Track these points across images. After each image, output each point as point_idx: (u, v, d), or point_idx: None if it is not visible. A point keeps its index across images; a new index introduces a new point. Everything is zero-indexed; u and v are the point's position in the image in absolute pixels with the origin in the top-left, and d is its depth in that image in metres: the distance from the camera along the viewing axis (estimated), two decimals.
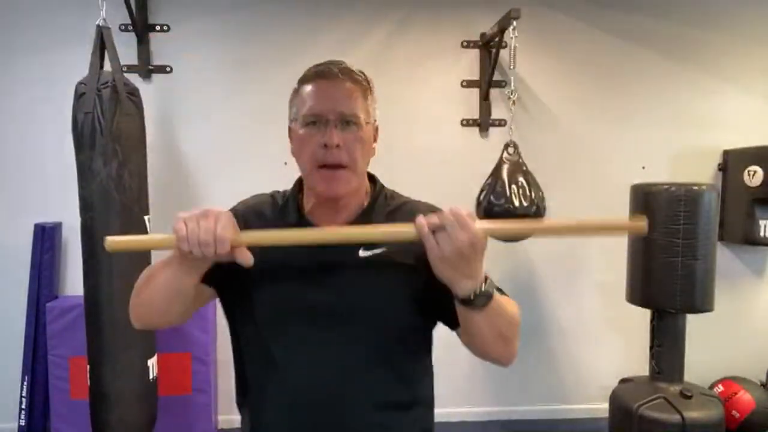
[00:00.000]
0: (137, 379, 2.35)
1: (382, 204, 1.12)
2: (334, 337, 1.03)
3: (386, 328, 1.05)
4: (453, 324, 1.05)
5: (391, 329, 1.06)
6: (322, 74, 1.05)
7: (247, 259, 0.93)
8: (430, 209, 1.04)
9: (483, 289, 0.93)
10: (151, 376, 2.40)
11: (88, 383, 2.34)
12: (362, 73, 1.08)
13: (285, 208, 1.13)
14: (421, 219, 0.89)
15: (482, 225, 0.90)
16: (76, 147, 2.28)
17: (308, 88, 1.05)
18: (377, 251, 1.04)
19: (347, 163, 1.02)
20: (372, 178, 1.16)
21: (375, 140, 1.11)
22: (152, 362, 2.41)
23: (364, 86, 1.07)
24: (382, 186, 1.16)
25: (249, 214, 1.14)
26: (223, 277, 1.06)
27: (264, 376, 1.10)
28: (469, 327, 0.99)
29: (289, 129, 1.10)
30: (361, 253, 1.04)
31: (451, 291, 0.93)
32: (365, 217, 1.09)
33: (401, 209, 1.12)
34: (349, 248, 1.02)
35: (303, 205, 1.12)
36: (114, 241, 1.04)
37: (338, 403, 1.04)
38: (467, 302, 0.93)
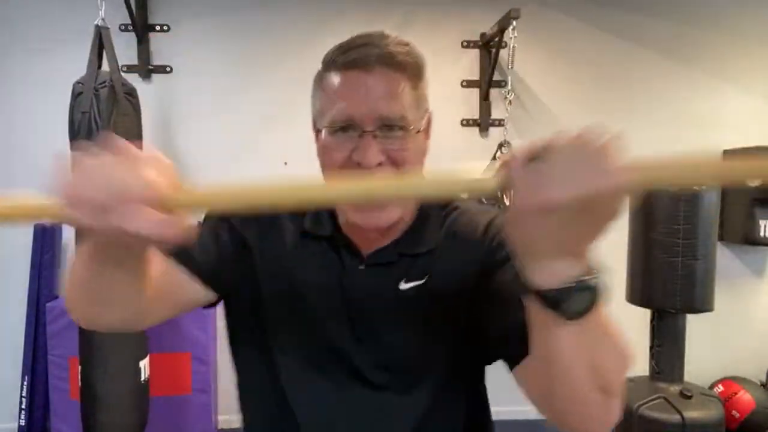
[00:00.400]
0: (129, 381, 2.32)
1: (437, 214, 0.86)
2: (371, 398, 0.81)
3: (438, 386, 0.82)
4: (513, 359, 0.75)
5: (443, 385, 0.83)
6: (354, 63, 0.75)
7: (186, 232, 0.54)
8: (492, 216, 0.84)
9: (588, 281, 0.57)
10: (142, 378, 2.37)
11: (79, 384, 2.32)
12: (411, 51, 0.77)
13: (317, 217, 0.86)
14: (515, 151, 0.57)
15: (635, 168, 0.52)
16: (72, 147, 2.28)
17: (336, 80, 0.77)
18: (419, 283, 0.80)
19: None
20: None
21: (428, 135, 0.83)
22: (144, 364, 2.38)
23: (414, 71, 0.77)
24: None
25: (252, 231, 0.86)
26: (230, 284, 0.83)
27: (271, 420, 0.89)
28: (551, 352, 0.61)
29: (313, 123, 0.85)
30: (402, 285, 0.80)
31: (527, 285, 0.58)
32: (417, 231, 0.84)
33: (459, 219, 0.86)
34: (386, 279, 0.81)
35: (338, 215, 0.85)
36: None
37: None
38: (558, 299, 0.56)
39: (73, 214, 0.51)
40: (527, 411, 3.29)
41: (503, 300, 0.74)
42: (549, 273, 0.55)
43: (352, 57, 0.75)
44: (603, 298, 0.57)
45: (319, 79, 0.82)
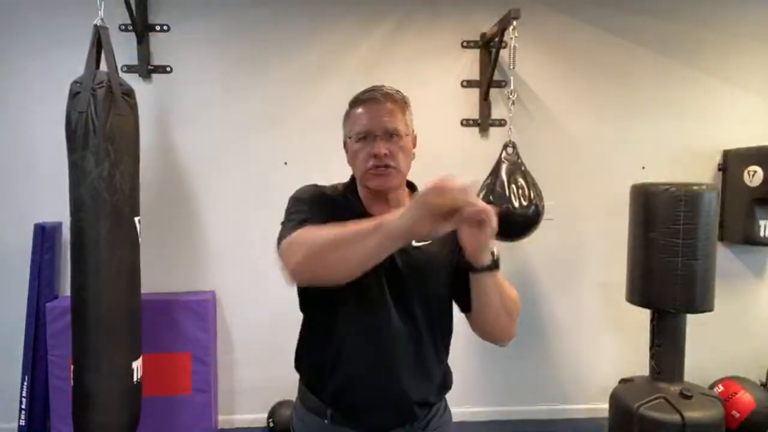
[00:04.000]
0: (121, 381, 2.31)
1: None
2: (392, 303, 1.26)
3: (433, 299, 1.30)
4: (466, 306, 1.27)
5: (436, 299, 1.30)
6: (368, 99, 1.28)
7: None
8: None
9: (495, 256, 1.15)
10: (135, 379, 2.36)
11: (71, 383, 2.30)
12: (400, 92, 1.32)
13: (347, 199, 1.33)
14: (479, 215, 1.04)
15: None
16: (69, 146, 2.26)
17: (358, 110, 1.29)
18: (425, 243, 1.27)
19: (393, 165, 1.25)
20: (411, 185, 1.37)
21: (414, 146, 1.34)
22: (137, 364, 2.37)
23: (402, 104, 1.30)
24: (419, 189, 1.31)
25: (324, 196, 1.34)
26: None
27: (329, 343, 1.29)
28: (483, 296, 1.19)
29: (344, 143, 1.33)
30: (414, 243, 1.25)
31: (472, 266, 1.14)
32: None
33: None
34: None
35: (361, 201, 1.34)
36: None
37: (387, 356, 1.26)
38: (487, 268, 1.14)
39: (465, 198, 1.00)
40: (534, 411, 3.31)
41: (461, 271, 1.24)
42: (483, 258, 1.14)
43: (367, 96, 1.29)
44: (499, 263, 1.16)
45: (347, 113, 1.33)
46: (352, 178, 1.36)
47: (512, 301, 1.23)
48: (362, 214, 1.24)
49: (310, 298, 1.33)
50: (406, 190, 1.35)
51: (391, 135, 1.25)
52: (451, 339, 1.39)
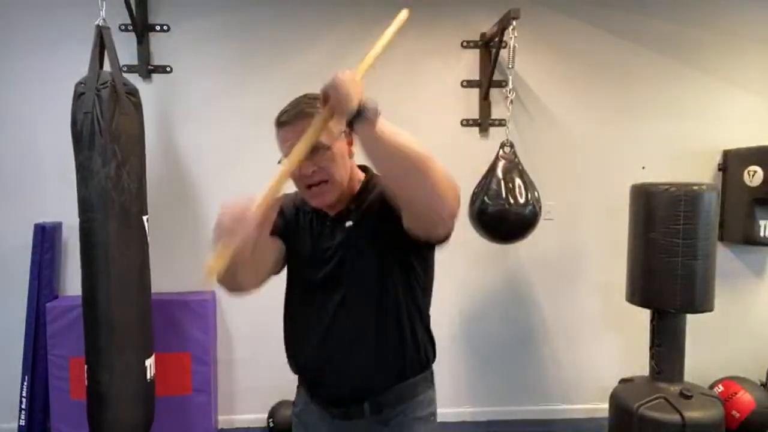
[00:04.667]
0: (135, 380, 2.34)
1: (372, 187, 1.33)
2: (329, 278, 1.31)
3: (370, 276, 1.29)
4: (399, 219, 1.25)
5: (375, 276, 1.29)
6: (282, 122, 1.31)
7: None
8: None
9: (362, 104, 1.05)
10: (148, 377, 2.39)
11: (86, 383, 2.33)
12: (314, 102, 1.25)
13: (304, 201, 1.38)
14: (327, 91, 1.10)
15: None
16: (75, 147, 2.28)
17: (279, 134, 1.32)
18: (358, 220, 1.31)
19: (327, 178, 1.25)
20: (365, 169, 1.37)
21: (351, 144, 1.31)
22: (150, 362, 2.41)
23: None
24: (374, 174, 1.35)
25: (288, 207, 1.43)
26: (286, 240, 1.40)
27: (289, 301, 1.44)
28: (377, 158, 1.12)
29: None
30: (347, 224, 1.31)
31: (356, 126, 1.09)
32: (356, 201, 1.33)
33: (378, 189, 1.31)
34: (342, 223, 1.32)
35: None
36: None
37: (335, 330, 1.31)
38: (356, 119, 1.05)
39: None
40: (535, 411, 3.31)
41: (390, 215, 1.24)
42: (348, 112, 1.06)
43: (280, 120, 1.35)
44: (378, 112, 1.07)
45: (275, 134, 1.35)
46: None
47: (418, 154, 1.08)
48: (317, 211, 1.35)
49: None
50: (358, 177, 1.36)
51: (313, 152, 1.21)
52: (422, 317, 1.35)
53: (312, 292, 1.34)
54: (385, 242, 1.27)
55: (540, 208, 2.77)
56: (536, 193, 2.78)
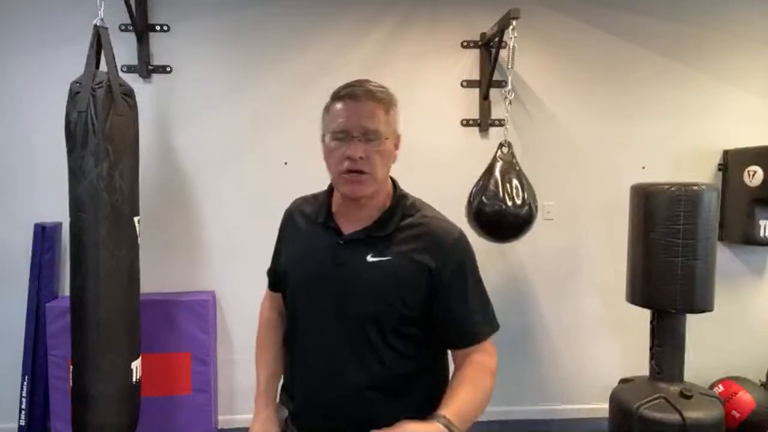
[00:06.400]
0: (120, 382, 2.31)
1: (400, 211, 1.26)
2: (330, 320, 1.22)
3: (371, 322, 1.19)
4: (447, 346, 1.26)
5: (375, 324, 1.19)
6: (349, 95, 1.19)
7: None
8: (448, 232, 1.24)
9: None
10: (134, 379, 2.36)
11: (70, 384, 2.30)
12: (384, 90, 1.22)
13: (318, 210, 1.31)
14: None
15: None
16: (68, 146, 2.26)
17: (338, 106, 1.19)
18: (384, 258, 1.20)
19: (368, 171, 1.17)
20: (393, 183, 1.30)
21: (396, 147, 1.26)
22: (136, 365, 2.36)
23: (386, 103, 1.21)
24: (402, 193, 1.30)
25: (296, 211, 1.38)
26: (279, 276, 1.37)
27: (290, 340, 1.33)
28: None
29: (322, 139, 1.24)
30: (370, 258, 1.20)
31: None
32: (385, 219, 1.24)
33: (420, 223, 1.24)
34: (360, 252, 1.21)
35: (332, 205, 1.30)
36: None
37: (329, 385, 1.22)
38: None
39: None
40: (534, 411, 3.30)
41: (445, 312, 1.22)
42: None
43: (348, 91, 1.19)
44: None
45: (326, 107, 1.23)
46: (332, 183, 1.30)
47: (481, 407, 1.17)
48: (327, 223, 1.27)
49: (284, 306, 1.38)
50: (387, 190, 1.28)
51: (370, 137, 1.17)
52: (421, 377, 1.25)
53: (310, 321, 1.28)
54: (405, 286, 1.20)
55: (536, 208, 2.78)
56: (533, 194, 2.79)
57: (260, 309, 1.47)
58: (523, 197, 2.73)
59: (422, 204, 1.30)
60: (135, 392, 2.38)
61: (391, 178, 1.30)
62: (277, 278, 1.38)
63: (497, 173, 2.77)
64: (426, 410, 1.14)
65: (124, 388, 2.32)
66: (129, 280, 2.33)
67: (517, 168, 2.80)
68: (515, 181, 2.74)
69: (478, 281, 1.27)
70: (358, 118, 1.16)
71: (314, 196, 1.37)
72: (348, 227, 1.25)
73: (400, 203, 1.27)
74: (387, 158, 1.22)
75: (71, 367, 2.31)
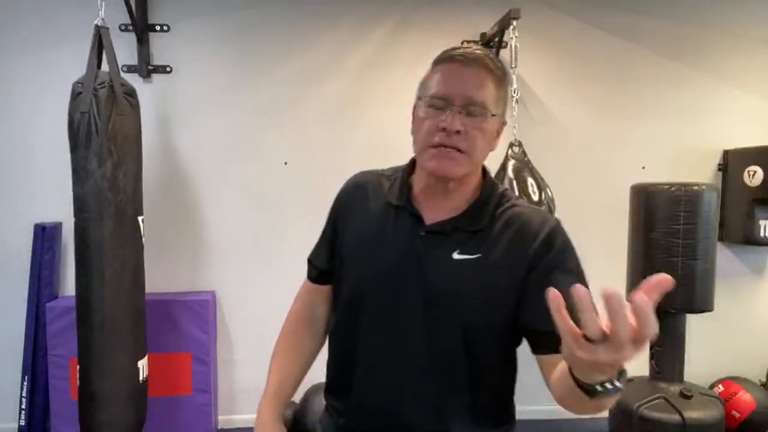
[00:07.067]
0: (127, 381, 2.32)
1: (494, 200, 1.07)
2: (414, 331, 1.02)
3: (457, 330, 1.01)
4: (536, 350, 1.02)
5: (462, 331, 1.01)
6: (456, 57, 1.00)
7: None
8: (542, 219, 1.04)
9: (615, 383, 0.73)
10: (141, 378, 2.38)
11: (78, 383, 2.32)
12: (500, 62, 1.03)
13: (392, 187, 1.11)
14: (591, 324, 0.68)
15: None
16: (72, 146, 2.27)
17: (443, 68, 1.01)
18: (471, 257, 1.01)
19: (465, 149, 0.98)
20: (485, 172, 1.11)
21: (498, 135, 1.07)
22: (142, 364, 2.38)
23: (498, 76, 1.01)
24: (494, 182, 1.11)
25: (365, 186, 1.15)
26: (333, 265, 1.17)
27: (346, 343, 1.12)
28: (567, 400, 0.91)
29: (414, 106, 1.06)
30: (456, 256, 1.01)
31: (577, 379, 0.77)
32: (475, 210, 1.05)
33: (510, 214, 1.05)
34: (445, 247, 1.02)
35: (413, 186, 1.10)
36: None
37: (393, 385, 1.05)
38: (588, 390, 0.75)
39: None
40: (534, 411, 3.29)
41: (542, 308, 0.86)
42: (590, 378, 0.74)
43: (456, 53, 1.00)
44: (620, 393, 0.75)
45: (428, 73, 1.04)
46: (413, 160, 1.12)
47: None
48: (407, 207, 1.06)
49: (336, 300, 1.18)
50: (477, 178, 1.08)
51: (473, 110, 0.97)
52: (513, 392, 1.18)
53: (381, 329, 1.08)
54: (498, 291, 1.01)
55: (554, 205, 2.78)
56: (549, 191, 2.78)
57: (292, 305, 1.29)
58: (540, 195, 2.73)
59: (511, 193, 1.12)
60: (142, 391, 2.40)
61: (483, 167, 1.11)
62: (327, 268, 1.17)
63: (510, 173, 2.77)
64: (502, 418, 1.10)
65: (131, 386, 2.34)
66: (134, 279, 2.34)
67: (530, 166, 2.79)
68: (530, 180, 2.74)
69: (580, 274, 1.02)
70: (464, 85, 0.97)
71: (380, 174, 1.16)
72: (430, 216, 1.05)
73: (494, 193, 1.08)
74: (489, 139, 1.02)
75: (78, 366, 2.32)
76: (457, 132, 0.96)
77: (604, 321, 0.67)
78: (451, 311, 1.01)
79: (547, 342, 0.91)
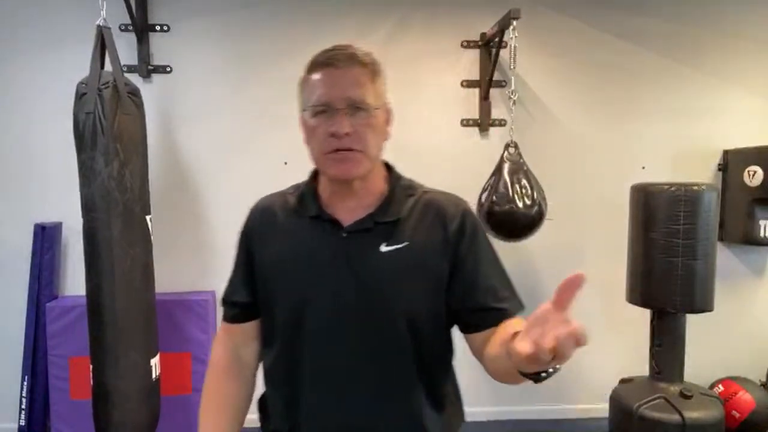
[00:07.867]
0: (140, 379, 2.35)
1: (402, 192, 1.11)
2: (351, 326, 1.04)
3: (402, 320, 1.04)
4: (467, 329, 1.08)
5: (407, 321, 1.04)
6: (328, 62, 1.02)
7: None
8: (455, 203, 1.10)
9: (556, 366, 0.83)
10: (153, 376, 2.41)
11: (91, 383, 2.34)
12: (369, 55, 1.06)
13: (302, 201, 1.12)
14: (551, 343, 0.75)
15: None
16: (78, 147, 2.28)
17: (316, 76, 1.03)
18: (400, 245, 1.04)
19: (359, 147, 1.00)
20: (388, 166, 1.14)
21: (388, 123, 1.09)
22: (155, 362, 2.42)
23: (372, 69, 1.04)
24: (399, 174, 1.15)
25: (270, 208, 1.16)
26: (257, 298, 1.14)
27: (286, 362, 1.11)
28: (500, 373, 1.00)
29: (301, 118, 1.07)
30: (383, 248, 1.04)
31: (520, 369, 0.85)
32: (389, 201, 1.08)
33: (424, 201, 1.10)
34: (370, 242, 1.04)
35: (320, 195, 1.11)
36: None
37: (350, 390, 1.06)
38: (535, 379, 0.86)
39: None
40: (535, 411, 3.30)
41: (468, 287, 1.05)
42: (528, 368, 0.82)
43: (326, 58, 1.03)
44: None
45: (303, 80, 1.06)
46: (314, 172, 1.14)
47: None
48: (322, 216, 1.08)
49: (269, 329, 1.15)
50: (382, 172, 1.12)
51: (356, 108, 0.99)
52: (450, 368, 1.18)
53: (313, 335, 1.08)
54: (422, 278, 1.05)
55: (546, 207, 2.80)
56: (542, 193, 2.80)
57: (212, 352, 1.26)
58: (533, 197, 2.74)
59: (418, 183, 1.15)
60: (155, 389, 2.43)
61: (385, 161, 1.15)
62: (251, 301, 1.14)
63: (506, 174, 2.78)
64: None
65: (144, 385, 2.37)
66: (144, 277, 2.37)
67: (525, 168, 2.81)
68: (524, 182, 2.76)
69: (495, 254, 1.10)
70: (341, 87, 1.00)
71: (281, 195, 1.17)
72: (346, 218, 1.07)
73: (400, 184, 1.12)
74: (379, 133, 1.05)
75: (91, 366, 2.34)
76: (347, 134, 0.99)
77: (547, 339, 0.75)
78: (392, 303, 1.03)
79: (475, 319, 1.04)
